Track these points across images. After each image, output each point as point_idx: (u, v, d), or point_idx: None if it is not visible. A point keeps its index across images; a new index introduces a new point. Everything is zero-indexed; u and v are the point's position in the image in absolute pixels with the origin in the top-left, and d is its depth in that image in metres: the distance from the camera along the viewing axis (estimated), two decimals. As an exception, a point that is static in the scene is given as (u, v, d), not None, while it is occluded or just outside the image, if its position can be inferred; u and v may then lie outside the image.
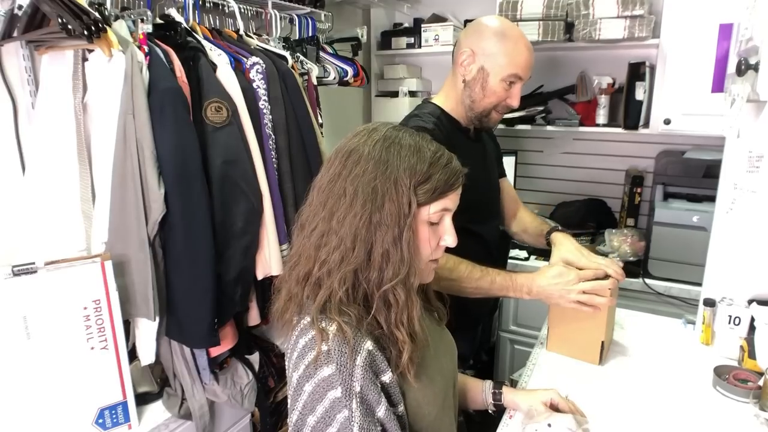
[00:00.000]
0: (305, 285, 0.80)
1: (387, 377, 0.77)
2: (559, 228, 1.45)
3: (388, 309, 0.78)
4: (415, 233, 0.79)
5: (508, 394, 1.08)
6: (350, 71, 1.98)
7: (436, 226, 0.83)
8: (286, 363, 0.83)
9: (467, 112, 1.33)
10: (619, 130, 2.12)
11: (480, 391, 1.10)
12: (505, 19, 1.37)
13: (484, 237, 1.47)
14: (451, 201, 0.82)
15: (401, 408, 0.80)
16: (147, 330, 1.22)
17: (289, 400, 0.79)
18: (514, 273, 1.22)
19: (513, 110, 1.41)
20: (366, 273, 0.77)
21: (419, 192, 0.77)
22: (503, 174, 1.66)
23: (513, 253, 2.23)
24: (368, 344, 0.76)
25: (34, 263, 1.06)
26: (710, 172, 1.92)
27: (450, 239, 0.84)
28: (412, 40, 2.59)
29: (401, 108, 2.55)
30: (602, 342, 1.25)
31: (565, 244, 1.33)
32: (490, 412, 1.10)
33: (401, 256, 0.76)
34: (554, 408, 1.03)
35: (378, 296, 0.77)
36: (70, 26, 1.05)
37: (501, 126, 2.19)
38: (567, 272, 1.17)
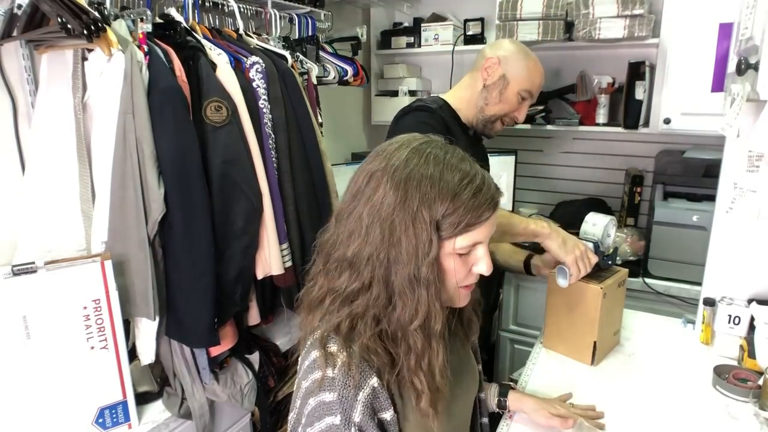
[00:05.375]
0: (317, 311, 0.77)
1: (388, 415, 0.73)
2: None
3: (407, 353, 0.73)
4: (439, 267, 0.72)
5: (514, 403, 1.08)
6: (350, 70, 1.99)
7: (466, 256, 0.75)
8: (300, 363, 0.80)
9: (477, 113, 1.40)
10: (619, 129, 2.12)
11: (486, 396, 1.09)
12: None
13: None
14: (482, 233, 0.73)
15: None
16: (147, 329, 1.22)
17: (293, 397, 0.78)
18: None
19: (516, 124, 1.47)
20: (385, 311, 0.72)
21: (443, 226, 0.70)
22: None
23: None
24: (374, 380, 0.71)
25: (34, 263, 1.05)
26: (710, 171, 1.92)
27: (484, 268, 0.76)
28: (411, 39, 2.59)
29: (401, 107, 2.53)
30: (594, 343, 1.25)
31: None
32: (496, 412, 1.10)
33: (418, 299, 0.70)
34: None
35: (400, 337, 0.73)
36: (69, 25, 1.04)
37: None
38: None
